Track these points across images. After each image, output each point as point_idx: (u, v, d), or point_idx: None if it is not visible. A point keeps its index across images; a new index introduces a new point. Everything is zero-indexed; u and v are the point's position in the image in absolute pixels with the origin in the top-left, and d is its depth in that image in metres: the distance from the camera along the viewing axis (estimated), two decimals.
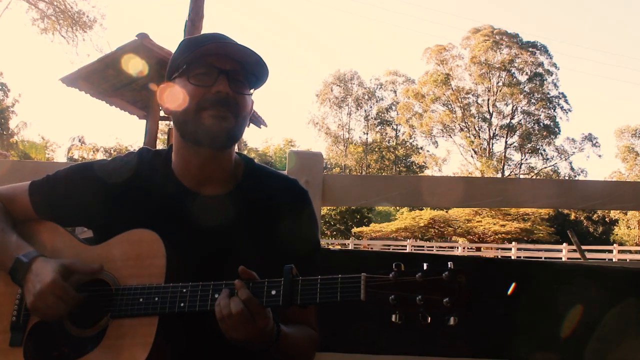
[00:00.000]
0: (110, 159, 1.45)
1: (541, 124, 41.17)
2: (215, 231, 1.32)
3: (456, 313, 1.05)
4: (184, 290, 1.20)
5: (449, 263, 1.08)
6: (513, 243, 22.07)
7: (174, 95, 1.33)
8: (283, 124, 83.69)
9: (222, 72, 1.28)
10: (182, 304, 1.19)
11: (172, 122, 1.40)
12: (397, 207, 28.38)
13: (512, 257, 19.10)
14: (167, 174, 1.38)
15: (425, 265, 1.09)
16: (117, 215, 1.35)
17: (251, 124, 11.79)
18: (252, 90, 1.37)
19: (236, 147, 1.43)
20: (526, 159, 42.18)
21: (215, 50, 1.30)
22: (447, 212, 25.09)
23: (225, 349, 1.26)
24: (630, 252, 25.78)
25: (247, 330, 1.13)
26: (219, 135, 1.28)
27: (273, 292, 1.14)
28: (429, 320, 1.06)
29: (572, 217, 36.34)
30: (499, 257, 19.80)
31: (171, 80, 1.35)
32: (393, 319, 1.07)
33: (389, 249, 22.11)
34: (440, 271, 1.08)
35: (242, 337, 1.14)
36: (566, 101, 41.72)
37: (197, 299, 1.19)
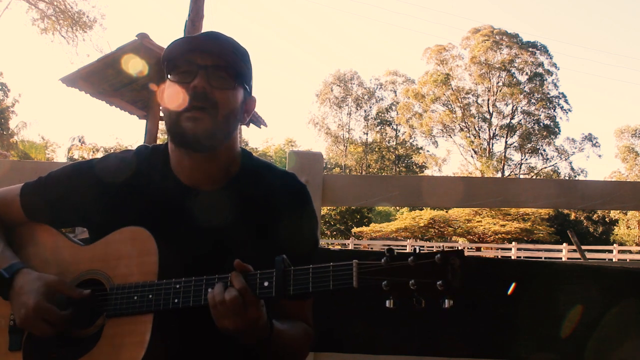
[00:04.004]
0: (103, 156, 1.44)
1: (541, 124, 41.16)
2: (212, 227, 1.31)
3: (451, 296, 1.04)
4: (177, 286, 1.20)
5: (441, 246, 1.07)
6: (513, 243, 22.08)
7: (163, 96, 1.33)
8: (283, 124, 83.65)
9: (201, 68, 1.28)
10: (175, 300, 1.19)
11: None
12: (397, 207, 28.38)
13: (512, 257, 19.09)
14: (165, 170, 1.37)
15: (417, 249, 1.08)
16: (115, 213, 1.34)
17: (251, 124, 11.80)
18: (237, 85, 1.33)
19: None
20: (526, 159, 42.20)
21: (191, 43, 1.30)
22: (447, 212, 25.09)
23: (221, 345, 1.26)
24: (630, 252, 25.79)
25: (237, 320, 1.13)
26: (196, 138, 1.27)
27: (265, 284, 1.14)
28: (423, 305, 1.05)
29: (572, 217, 36.32)
30: (499, 257, 19.80)
31: (165, 82, 1.36)
32: (387, 305, 1.06)
33: None
34: (433, 255, 1.07)
35: (232, 327, 1.14)
36: (566, 101, 41.75)
37: (191, 294, 1.19)
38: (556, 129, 41.28)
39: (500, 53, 40.77)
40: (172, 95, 1.29)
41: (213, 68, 1.29)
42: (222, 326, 1.15)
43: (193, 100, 1.26)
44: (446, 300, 1.04)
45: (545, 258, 19.41)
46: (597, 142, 41.74)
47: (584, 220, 37.52)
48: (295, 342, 1.31)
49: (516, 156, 42.24)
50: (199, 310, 1.19)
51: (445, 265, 1.05)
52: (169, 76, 1.32)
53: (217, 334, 1.17)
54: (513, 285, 1.83)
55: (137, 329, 1.20)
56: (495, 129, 41.55)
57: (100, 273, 1.29)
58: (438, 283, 1.04)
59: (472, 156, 41.98)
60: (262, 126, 12.14)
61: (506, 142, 41.54)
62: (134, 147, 1.47)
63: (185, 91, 1.27)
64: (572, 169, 41.98)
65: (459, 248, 1.09)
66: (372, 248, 23.17)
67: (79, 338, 1.25)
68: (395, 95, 46.11)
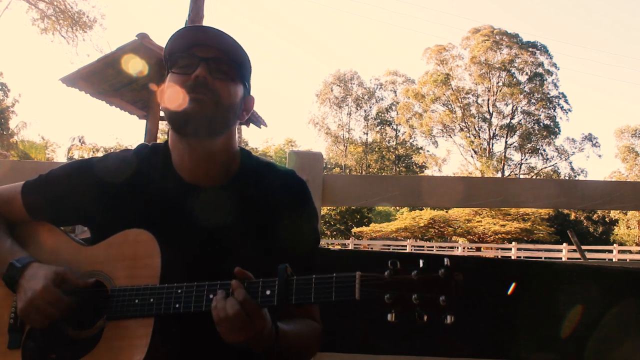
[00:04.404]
0: (103, 156, 1.44)
1: (541, 124, 41.16)
2: (212, 226, 1.31)
3: (453, 311, 1.03)
4: (179, 291, 1.19)
5: (445, 260, 1.06)
6: (513, 243, 22.07)
7: (165, 90, 1.34)
8: (283, 124, 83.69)
9: (202, 59, 1.29)
10: (177, 305, 1.18)
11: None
12: (397, 207, 28.38)
13: (512, 257, 19.09)
14: (166, 168, 1.37)
15: (421, 263, 1.06)
16: (115, 213, 1.34)
17: (251, 124, 11.79)
18: (239, 82, 1.35)
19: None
20: (526, 159, 42.21)
21: (193, 37, 1.31)
22: (447, 212, 25.08)
23: (221, 349, 1.25)
24: (630, 252, 25.78)
25: (245, 332, 1.12)
26: (198, 118, 1.27)
27: (267, 292, 1.13)
28: (425, 319, 1.04)
29: (572, 217, 36.32)
30: (499, 257, 19.80)
31: (166, 78, 1.37)
32: (389, 319, 1.05)
33: (389, 249, 22.10)
34: (437, 269, 1.05)
35: (242, 340, 1.13)
36: (566, 101, 41.75)
37: (192, 299, 1.18)
38: (556, 129, 41.28)
39: (500, 53, 40.77)
40: (174, 87, 1.30)
41: (214, 61, 1.30)
42: (230, 340, 1.14)
43: (195, 89, 1.27)
44: (448, 316, 1.04)
45: (545, 258, 19.41)
46: (597, 142, 41.81)
47: (584, 220, 37.52)
48: (302, 341, 1.31)
49: (516, 156, 42.30)
50: (199, 315, 1.18)
51: (449, 281, 1.04)
52: (171, 70, 1.33)
53: (217, 339, 1.17)
54: (513, 285, 1.83)
55: (137, 332, 1.20)
56: (495, 129, 41.55)
57: (102, 274, 1.29)
58: (441, 298, 1.03)
59: (472, 156, 42.00)
60: (262, 126, 12.13)
61: (506, 142, 41.55)
62: (134, 147, 1.47)
63: (186, 81, 1.28)
64: (572, 169, 42.01)
65: (461, 254, 1.09)
66: (372, 248, 23.17)
67: (79, 339, 1.24)
68: (395, 95, 46.16)
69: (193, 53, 1.30)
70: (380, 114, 46.17)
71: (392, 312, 1.05)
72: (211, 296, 1.16)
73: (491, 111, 41.37)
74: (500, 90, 40.77)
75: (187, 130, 1.30)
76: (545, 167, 41.86)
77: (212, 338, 1.19)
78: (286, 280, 1.13)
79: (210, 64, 1.29)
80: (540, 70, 40.91)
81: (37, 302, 1.23)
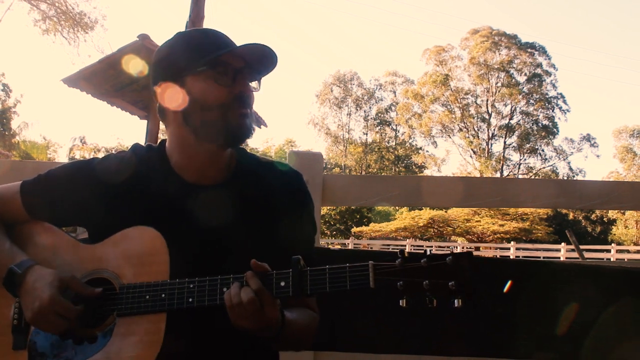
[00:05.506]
0: (103, 157, 1.43)
1: (540, 124, 41.16)
2: (213, 226, 1.31)
3: (461, 295, 1.09)
4: (191, 286, 1.20)
5: (452, 248, 1.10)
6: (512, 243, 22.08)
7: (188, 94, 1.30)
8: (283, 124, 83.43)
9: (238, 71, 1.31)
10: (190, 299, 1.19)
11: (174, 121, 1.35)
12: (397, 207, 28.37)
13: (511, 257, 19.09)
14: (166, 169, 1.37)
15: (428, 251, 1.12)
16: (116, 213, 1.34)
17: None
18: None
19: None
20: (525, 159, 42.19)
21: (255, 54, 1.33)
22: (446, 212, 25.09)
23: (232, 343, 1.27)
24: (628, 251, 25.78)
25: (257, 320, 1.15)
26: (244, 133, 1.31)
27: (282, 284, 1.16)
28: (435, 304, 1.10)
29: (571, 216, 36.30)
30: (498, 256, 19.80)
31: (179, 79, 1.31)
32: (401, 304, 1.10)
33: (389, 248, 22.09)
34: (444, 256, 1.11)
35: (251, 326, 1.16)
36: (564, 102, 41.74)
37: (206, 293, 1.19)
38: (555, 130, 41.28)
39: (499, 54, 40.76)
40: (214, 94, 1.29)
41: (246, 70, 1.33)
42: (239, 326, 1.16)
43: (241, 103, 1.30)
44: (456, 300, 1.09)
45: (543, 257, 19.40)
46: (595, 143, 41.76)
47: (582, 220, 37.49)
48: (303, 330, 1.33)
49: (515, 156, 42.27)
50: (209, 309, 1.19)
51: (456, 267, 1.09)
52: (211, 66, 1.29)
53: (228, 333, 1.18)
54: (509, 283, 1.84)
55: (150, 328, 1.20)
56: (494, 129, 41.54)
57: (107, 272, 1.28)
58: (450, 283, 1.08)
59: (471, 156, 41.99)
60: (262, 126, 12.12)
61: (505, 142, 41.53)
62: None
63: (228, 92, 1.29)
64: (570, 169, 41.99)
65: (467, 249, 1.13)
66: (371, 248, 23.16)
67: (89, 337, 1.24)
68: (395, 96, 46.10)
69: (226, 61, 1.30)
70: (379, 115, 46.13)
71: (403, 298, 1.10)
72: (225, 289, 1.18)
73: (490, 111, 41.37)
74: (499, 91, 40.76)
75: (229, 141, 1.33)
76: (544, 167, 41.86)
77: (222, 332, 1.21)
78: (300, 271, 1.16)
79: (244, 74, 1.32)
80: (538, 70, 40.90)
81: (46, 314, 1.21)
